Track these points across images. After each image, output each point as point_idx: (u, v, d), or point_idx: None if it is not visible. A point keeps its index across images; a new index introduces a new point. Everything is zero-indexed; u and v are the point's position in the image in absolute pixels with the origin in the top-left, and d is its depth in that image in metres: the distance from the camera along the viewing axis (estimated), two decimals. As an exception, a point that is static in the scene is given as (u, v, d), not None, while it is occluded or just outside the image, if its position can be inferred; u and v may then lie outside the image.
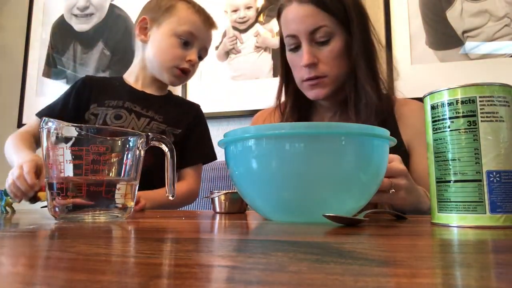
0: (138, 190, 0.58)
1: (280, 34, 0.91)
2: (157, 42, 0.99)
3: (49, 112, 0.99)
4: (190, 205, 1.26)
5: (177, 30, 0.97)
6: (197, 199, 1.08)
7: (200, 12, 1.01)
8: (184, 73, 1.00)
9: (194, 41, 0.99)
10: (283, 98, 0.97)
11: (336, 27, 0.82)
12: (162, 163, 0.58)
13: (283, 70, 0.94)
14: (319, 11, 0.81)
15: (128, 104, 0.99)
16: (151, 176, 0.81)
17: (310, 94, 0.87)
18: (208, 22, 1.02)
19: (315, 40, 0.82)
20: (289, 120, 0.92)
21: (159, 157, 0.63)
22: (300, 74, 0.86)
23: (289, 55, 0.88)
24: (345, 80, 0.86)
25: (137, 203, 0.77)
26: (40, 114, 0.99)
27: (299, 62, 0.85)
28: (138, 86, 1.04)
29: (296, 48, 0.85)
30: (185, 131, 1.02)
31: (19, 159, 0.83)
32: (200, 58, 1.02)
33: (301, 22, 0.82)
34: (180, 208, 1.06)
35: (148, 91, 1.04)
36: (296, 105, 0.94)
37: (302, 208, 0.48)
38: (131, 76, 1.06)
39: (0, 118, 2.07)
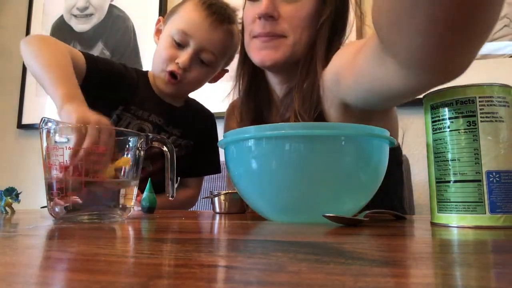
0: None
1: None
2: (158, 44, 0.92)
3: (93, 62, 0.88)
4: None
5: (172, 29, 0.87)
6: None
7: (209, 8, 0.85)
8: (173, 77, 0.87)
9: (189, 41, 0.85)
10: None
11: None
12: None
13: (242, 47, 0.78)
14: None
15: (153, 117, 0.93)
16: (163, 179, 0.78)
17: (257, 55, 0.70)
18: (213, 19, 0.85)
19: None
20: (244, 109, 0.81)
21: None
22: (251, 28, 0.70)
23: (246, 9, 0.73)
24: (303, 52, 0.71)
25: None
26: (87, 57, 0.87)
27: (255, 14, 0.68)
28: (162, 93, 0.96)
29: None
30: (196, 143, 1.01)
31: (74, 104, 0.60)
32: (203, 62, 0.88)
33: None
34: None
35: (171, 100, 0.97)
36: (251, 89, 0.80)
37: (302, 208, 0.48)
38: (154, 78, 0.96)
39: (0, 118, 2.07)
